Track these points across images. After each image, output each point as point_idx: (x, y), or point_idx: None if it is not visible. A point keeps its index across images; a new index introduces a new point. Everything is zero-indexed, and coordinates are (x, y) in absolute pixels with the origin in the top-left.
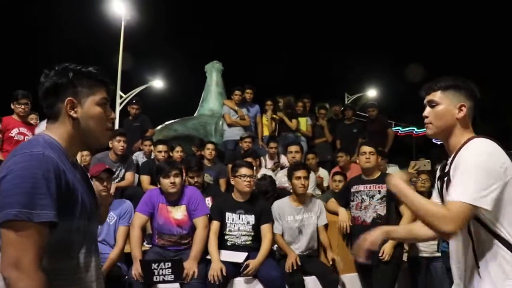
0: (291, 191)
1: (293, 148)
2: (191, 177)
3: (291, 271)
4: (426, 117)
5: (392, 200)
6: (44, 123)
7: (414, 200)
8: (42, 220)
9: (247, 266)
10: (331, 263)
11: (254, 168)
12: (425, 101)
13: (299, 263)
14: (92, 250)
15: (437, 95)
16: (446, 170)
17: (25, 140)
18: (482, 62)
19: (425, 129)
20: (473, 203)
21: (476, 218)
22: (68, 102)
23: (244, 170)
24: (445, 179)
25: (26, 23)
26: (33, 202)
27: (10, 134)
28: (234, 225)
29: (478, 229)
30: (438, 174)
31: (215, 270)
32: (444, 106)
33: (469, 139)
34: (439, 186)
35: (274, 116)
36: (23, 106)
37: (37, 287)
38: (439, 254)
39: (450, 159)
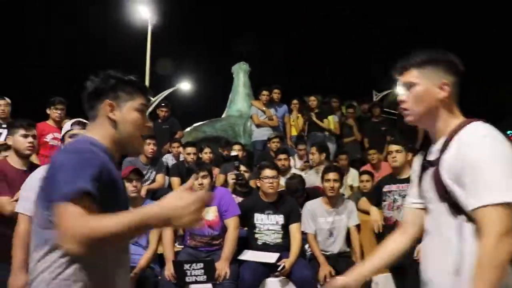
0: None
1: (312, 149)
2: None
3: (322, 284)
4: (403, 101)
5: None
6: (69, 124)
7: None
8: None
9: (284, 266)
10: None
11: (283, 166)
12: (399, 84)
13: (333, 274)
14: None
15: (413, 75)
16: (433, 158)
17: (59, 145)
18: None
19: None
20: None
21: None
22: (108, 104)
23: (267, 172)
24: (432, 168)
25: (53, 30)
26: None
27: (45, 139)
28: (263, 225)
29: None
30: (418, 165)
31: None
32: (422, 86)
33: (461, 125)
34: (418, 177)
35: (303, 116)
36: (59, 112)
37: None
38: None
39: (437, 147)
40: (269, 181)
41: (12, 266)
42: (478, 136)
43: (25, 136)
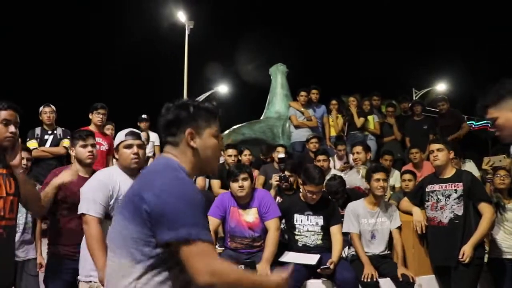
0: (366, 191)
1: (356, 149)
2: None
3: (367, 281)
4: (495, 132)
5: (470, 199)
6: (122, 134)
7: None
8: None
9: (328, 267)
10: (401, 279)
11: (323, 167)
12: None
13: (376, 278)
14: None
15: (491, 113)
16: None
17: (100, 149)
18: None
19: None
20: None
21: None
22: (189, 133)
23: (311, 187)
24: None
25: (93, 38)
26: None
27: None
28: (303, 226)
29: None
30: None
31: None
32: (502, 118)
33: None
34: None
35: (343, 116)
36: (101, 116)
37: None
38: None
39: None
40: (313, 196)
41: (97, 267)
42: None
43: (84, 146)
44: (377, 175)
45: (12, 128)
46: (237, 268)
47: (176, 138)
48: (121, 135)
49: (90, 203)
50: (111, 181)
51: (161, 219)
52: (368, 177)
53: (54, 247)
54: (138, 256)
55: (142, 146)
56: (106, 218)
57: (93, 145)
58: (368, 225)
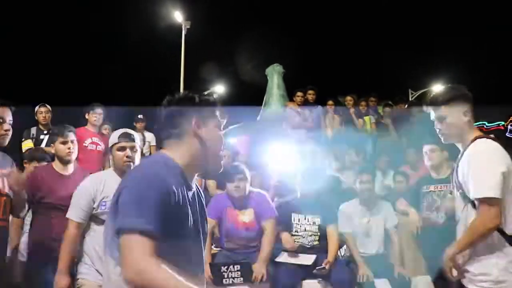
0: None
1: (350, 150)
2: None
3: (362, 282)
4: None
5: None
6: (116, 136)
7: None
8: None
9: (323, 267)
10: (397, 277)
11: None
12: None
13: (370, 278)
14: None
15: (443, 109)
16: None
17: (97, 149)
18: None
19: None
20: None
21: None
22: (195, 122)
23: None
24: None
25: (88, 36)
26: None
27: (83, 144)
28: (300, 226)
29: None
30: None
31: None
32: (453, 117)
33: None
34: None
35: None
36: (97, 116)
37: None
38: None
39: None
40: None
41: (58, 267)
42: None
43: (64, 143)
44: (362, 177)
45: (6, 126)
46: (166, 274)
47: (179, 130)
48: (114, 137)
49: (72, 208)
50: (96, 185)
51: (118, 211)
52: (354, 180)
53: (35, 245)
54: (115, 253)
55: (135, 148)
56: (91, 220)
57: (73, 142)
58: (362, 223)
